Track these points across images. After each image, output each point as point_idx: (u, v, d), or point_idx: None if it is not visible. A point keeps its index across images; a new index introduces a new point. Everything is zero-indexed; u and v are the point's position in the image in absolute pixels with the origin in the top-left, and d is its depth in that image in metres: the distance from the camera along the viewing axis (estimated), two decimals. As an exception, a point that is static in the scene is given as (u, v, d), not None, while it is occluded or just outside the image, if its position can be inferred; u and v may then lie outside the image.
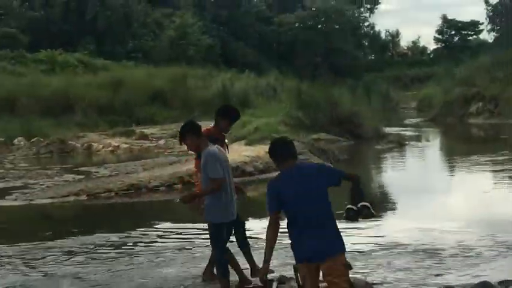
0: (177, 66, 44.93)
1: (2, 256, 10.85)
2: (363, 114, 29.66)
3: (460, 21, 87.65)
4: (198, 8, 65.87)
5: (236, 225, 7.94)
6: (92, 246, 11.21)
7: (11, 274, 9.62)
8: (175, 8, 63.77)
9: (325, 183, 5.96)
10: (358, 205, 6.81)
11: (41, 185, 19.39)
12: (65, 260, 10.36)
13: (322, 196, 5.91)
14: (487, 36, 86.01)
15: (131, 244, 11.36)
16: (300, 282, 5.13)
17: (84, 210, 15.90)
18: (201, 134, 7.62)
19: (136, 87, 38.93)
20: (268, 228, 5.84)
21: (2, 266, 10.18)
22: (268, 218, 5.81)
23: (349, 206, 6.72)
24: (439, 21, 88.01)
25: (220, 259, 7.59)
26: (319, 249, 5.75)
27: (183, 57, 52.63)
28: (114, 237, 11.81)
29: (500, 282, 7.81)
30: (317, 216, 5.81)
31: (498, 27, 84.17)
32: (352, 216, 6.73)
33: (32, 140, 30.41)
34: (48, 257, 10.58)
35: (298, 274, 5.61)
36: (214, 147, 7.56)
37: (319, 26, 72.18)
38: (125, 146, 29.26)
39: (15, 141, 30.65)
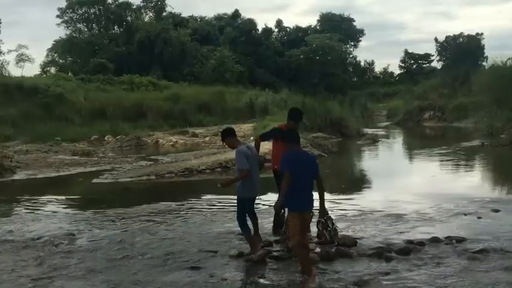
0: (217, 85, 45.02)
1: (96, 217, 10.94)
2: (348, 119, 29.75)
3: (417, 54, 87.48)
4: (232, 45, 65.88)
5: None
6: (157, 211, 11.25)
7: (101, 230, 9.68)
8: (217, 45, 63.93)
9: (316, 170, 6.42)
10: (324, 217, 7.02)
11: (124, 168, 19.51)
12: (139, 220, 10.40)
13: (313, 174, 6.34)
14: (436, 64, 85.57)
15: (186, 209, 11.39)
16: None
17: (153, 186, 15.95)
18: (235, 135, 7.78)
19: (189, 100, 39.09)
20: (284, 179, 6.23)
21: (95, 225, 10.25)
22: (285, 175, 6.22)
23: (318, 219, 6.97)
24: (402, 54, 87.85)
25: (241, 223, 7.58)
26: (307, 203, 6.31)
27: (221, 80, 52.72)
28: (174, 205, 11.84)
29: (446, 237, 7.75)
30: (309, 185, 6.33)
31: (444, 58, 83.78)
32: (321, 227, 7.03)
33: (117, 137, 30.57)
34: (127, 218, 10.63)
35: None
36: (243, 146, 7.65)
37: (317, 58, 71.99)
38: (181, 141, 29.33)
39: (106, 137, 30.84)
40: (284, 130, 7.94)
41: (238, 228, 8.12)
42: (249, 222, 7.69)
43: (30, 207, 12.66)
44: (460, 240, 7.63)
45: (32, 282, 6.79)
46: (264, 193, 10.50)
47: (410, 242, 7.63)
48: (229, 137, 7.75)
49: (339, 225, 8.06)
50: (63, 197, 14.32)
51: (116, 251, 8.13)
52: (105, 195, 14.78)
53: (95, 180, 16.84)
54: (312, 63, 70.66)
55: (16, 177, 18.76)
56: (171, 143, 28.97)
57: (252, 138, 24.15)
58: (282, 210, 7.07)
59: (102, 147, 28.40)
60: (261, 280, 6.57)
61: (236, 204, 7.67)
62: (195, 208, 11.50)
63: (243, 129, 29.15)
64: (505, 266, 6.51)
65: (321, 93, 51.58)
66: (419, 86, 49.71)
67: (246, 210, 7.64)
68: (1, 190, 16.54)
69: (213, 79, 52.68)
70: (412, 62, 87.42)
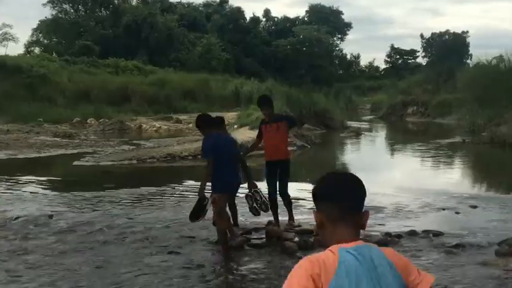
0: (203, 73, 44.81)
1: (75, 200, 10.86)
2: (333, 112, 29.74)
3: (403, 49, 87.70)
4: (219, 33, 65.53)
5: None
6: (138, 195, 11.20)
7: (80, 213, 9.62)
8: (204, 32, 63.59)
9: (235, 150, 7.18)
10: (252, 191, 7.03)
11: (105, 152, 19.39)
12: (119, 204, 10.35)
13: (235, 155, 7.05)
14: (421, 60, 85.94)
15: (167, 195, 11.35)
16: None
17: (134, 170, 15.88)
18: (208, 123, 7.31)
19: (174, 86, 38.94)
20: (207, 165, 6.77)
21: (74, 206, 10.18)
22: None
23: (246, 194, 7.31)
24: (388, 49, 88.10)
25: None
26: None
27: (207, 67, 52.45)
28: (153, 190, 11.79)
29: (424, 231, 7.81)
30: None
31: (429, 55, 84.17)
32: (252, 203, 7.33)
33: (100, 120, 30.39)
34: (107, 202, 10.57)
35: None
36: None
37: (304, 49, 71.95)
38: (165, 127, 29.24)
39: (88, 120, 30.62)
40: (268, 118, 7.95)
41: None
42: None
43: (9, 187, 12.54)
44: (437, 234, 7.68)
45: (8, 260, 6.74)
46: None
47: (388, 234, 7.66)
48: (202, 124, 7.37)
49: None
50: (43, 178, 14.20)
51: (95, 233, 8.08)
52: (85, 178, 14.69)
53: (75, 163, 16.72)
54: (298, 54, 70.58)
55: (-4, 156, 18.57)
56: (155, 129, 28.87)
57: (235, 126, 24.12)
58: (207, 199, 6.87)
59: (84, 130, 28.22)
60: (239, 267, 6.58)
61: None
62: (176, 194, 11.47)
63: (228, 117, 29.05)
64: (480, 261, 6.57)
65: (306, 84, 51.57)
66: (403, 81, 49.89)
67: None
68: (-20, 169, 16.35)
69: (200, 66, 52.42)
70: (398, 57, 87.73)
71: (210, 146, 6.78)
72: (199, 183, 7.22)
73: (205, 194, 6.95)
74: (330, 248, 1.96)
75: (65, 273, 6.33)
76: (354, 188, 2.12)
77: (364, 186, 2.13)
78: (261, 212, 7.55)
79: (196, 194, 7.11)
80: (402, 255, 2.15)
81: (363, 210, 2.10)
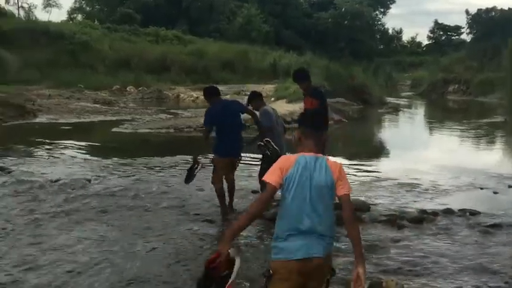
0: (242, 44, 44.60)
1: (113, 165, 11.04)
2: (371, 87, 29.29)
3: (447, 25, 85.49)
4: (260, 4, 64.97)
5: None
6: (174, 163, 11.31)
7: (117, 178, 9.77)
8: (245, 2, 63.11)
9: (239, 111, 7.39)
10: (264, 141, 7.33)
11: (143, 119, 19.61)
12: (155, 171, 10.48)
13: (238, 120, 7.37)
14: (465, 37, 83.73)
15: (203, 164, 11.41)
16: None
17: (171, 139, 16.03)
18: (261, 98, 7.94)
19: (213, 57, 38.91)
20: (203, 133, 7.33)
21: (111, 172, 10.35)
22: None
23: (258, 143, 7.41)
24: (432, 24, 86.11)
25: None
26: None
27: (247, 38, 52.15)
28: (189, 159, 11.85)
29: (460, 210, 7.70)
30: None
31: (474, 31, 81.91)
32: (264, 150, 7.37)
33: (139, 88, 30.69)
34: (144, 168, 10.72)
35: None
36: (269, 106, 7.99)
37: (345, 22, 70.87)
38: (202, 97, 29.26)
39: (128, 88, 30.96)
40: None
41: (254, 186, 8.16)
42: None
43: (49, 151, 12.82)
44: (474, 213, 7.56)
45: (48, 220, 6.91)
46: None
47: (423, 211, 7.58)
48: (256, 98, 7.84)
49: (354, 192, 8.01)
50: (83, 143, 14.47)
51: (131, 199, 8.22)
52: (123, 145, 14.90)
53: (114, 129, 16.97)
54: (339, 27, 69.57)
55: (38, 120, 18.99)
56: (192, 98, 29.00)
57: (272, 99, 24.03)
58: (197, 164, 7.39)
59: (123, 97, 28.56)
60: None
61: (260, 162, 7.68)
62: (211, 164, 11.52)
63: (265, 89, 28.97)
64: (517, 242, 6.46)
65: (346, 58, 50.90)
66: (446, 57, 48.79)
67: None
68: (23, 132, 16.76)
69: (239, 37, 52.15)
70: (441, 33, 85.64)
71: (209, 115, 7.20)
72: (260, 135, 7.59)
73: (198, 159, 7.47)
74: (296, 154, 3.47)
75: (99, 237, 6.46)
76: (319, 120, 4.13)
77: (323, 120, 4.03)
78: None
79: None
80: (341, 167, 3.43)
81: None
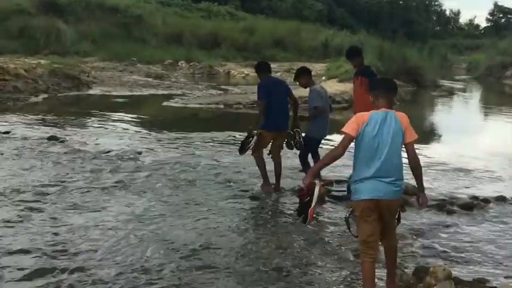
0: (294, 21, 44.22)
1: (163, 138, 11.20)
2: (425, 69, 28.58)
3: (507, 8, 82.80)
4: (313, -19, 64.28)
5: None
6: (223, 139, 11.39)
7: (167, 151, 9.92)
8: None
9: (288, 92, 7.47)
10: (294, 130, 7.39)
11: (194, 94, 19.79)
12: (204, 146, 10.59)
13: (286, 97, 7.45)
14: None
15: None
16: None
17: (221, 114, 16.13)
18: (310, 75, 7.68)
19: (264, 34, 38.77)
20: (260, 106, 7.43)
21: (161, 145, 10.50)
22: None
23: (289, 130, 7.42)
24: (491, 6, 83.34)
25: (303, 161, 7.62)
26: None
27: (299, 16, 51.73)
28: (238, 135, 11.92)
29: (513, 198, 7.51)
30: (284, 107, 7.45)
31: (536, 14, 78.97)
32: (289, 139, 7.47)
33: (190, 63, 30.93)
34: (193, 143, 10.83)
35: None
36: (318, 85, 7.73)
37: (401, 2, 69.40)
38: (253, 74, 29.27)
39: (179, 63, 31.23)
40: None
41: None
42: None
43: (101, 123, 13.11)
44: (527, 202, 7.36)
45: (100, 191, 7.10)
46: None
47: (475, 197, 7.42)
48: (304, 75, 7.61)
49: (405, 176, 7.88)
50: (134, 116, 14.74)
51: (179, 172, 8.33)
52: (174, 119, 15.10)
53: (165, 103, 17.20)
54: (394, 7, 68.21)
55: (91, 92, 19.42)
56: (243, 75, 29.04)
57: (323, 78, 23.82)
58: (253, 135, 7.37)
59: (175, 72, 28.86)
60: (320, 217, 6.61)
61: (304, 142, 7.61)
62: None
63: (316, 68, 28.75)
64: None
65: (400, 39, 49.89)
66: (505, 41, 47.13)
67: (311, 149, 7.60)
68: (77, 103, 17.18)
69: (291, 15, 51.76)
70: (501, 15, 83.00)
71: (265, 87, 7.31)
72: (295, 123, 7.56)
73: (253, 132, 7.37)
74: (369, 112, 4.11)
75: (145, 208, 6.59)
76: (391, 84, 4.36)
77: (396, 85, 4.39)
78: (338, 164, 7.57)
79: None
80: (407, 118, 4.14)
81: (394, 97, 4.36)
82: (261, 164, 7.56)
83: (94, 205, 6.57)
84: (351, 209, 4.22)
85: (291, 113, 7.58)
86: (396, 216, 4.27)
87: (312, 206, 4.30)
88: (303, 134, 7.52)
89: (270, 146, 7.61)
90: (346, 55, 7.81)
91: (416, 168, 4.13)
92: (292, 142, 7.44)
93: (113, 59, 28.87)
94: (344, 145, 4.03)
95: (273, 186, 7.57)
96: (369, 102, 4.34)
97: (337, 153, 4.06)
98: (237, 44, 37.17)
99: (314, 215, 4.64)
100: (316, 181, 4.33)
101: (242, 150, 7.60)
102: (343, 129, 4.04)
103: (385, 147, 3.97)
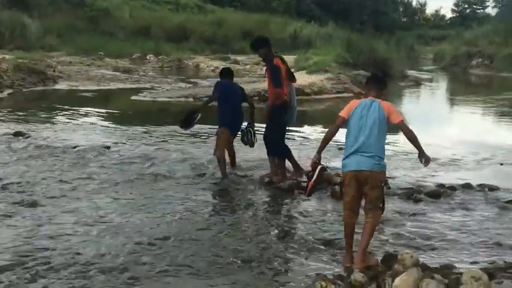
0: (263, 14, 44.15)
1: (132, 133, 11.10)
2: (393, 60, 28.86)
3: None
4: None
5: None
6: (193, 133, 11.31)
7: (136, 146, 9.83)
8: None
9: (241, 95, 8.07)
10: (249, 127, 8.01)
11: (163, 88, 19.64)
12: (174, 140, 10.54)
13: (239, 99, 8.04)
14: (491, 10, 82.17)
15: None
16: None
17: (190, 108, 16.01)
18: (270, 47, 7.56)
19: (233, 26, 38.60)
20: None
21: (130, 139, 10.41)
22: None
23: (243, 128, 8.05)
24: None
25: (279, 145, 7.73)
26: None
27: (268, 8, 51.63)
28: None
29: (479, 185, 7.62)
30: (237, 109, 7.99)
31: (499, 5, 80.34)
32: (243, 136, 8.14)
33: (159, 57, 30.66)
34: (162, 137, 10.78)
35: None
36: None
37: (369, -7, 69.76)
38: (222, 67, 29.25)
39: (147, 57, 30.94)
40: None
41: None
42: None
43: (69, 118, 12.93)
44: (493, 188, 7.48)
45: (66, 186, 7.00)
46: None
47: (441, 185, 7.52)
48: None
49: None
50: (102, 111, 14.57)
51: (148, 166, 8.27)
52: (142, 113, 14.98)
53: (133, 97, 17.03)
54: (362, -2, 68.52)
55: (58, 86, 19.12)
56: (212, 68, 28.89)
57: (292, 70, 23.86)
58: (198, 113, 8.20)
59: (143, 65, 28.56)
60: (288, 207, 6.64)
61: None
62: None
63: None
64: (536, 218, 6.39)
65: (368, 30, 50.20)
66: (470, 31, 47.85)
67: (283, 134, 7.69)
68: (43, 98, 16.91)
69: (260, 7, 51.63)
70: (466, 6, 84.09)
71: (221, 88, 8.00)
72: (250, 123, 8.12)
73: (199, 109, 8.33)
74: (360, 99, 5.02)
75: (113, 201, 6.53)
76: (382, 79, 5.29)
77: (386, 81, 5.38)
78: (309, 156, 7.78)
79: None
80: (390, 105, 5.02)
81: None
82: (222, 163, 7.78)
83: (59, 201, 6.47)
84: (341, 179, 5.06)
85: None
86: (378, 194, 4.84)
87: (311, 181, 5.09)
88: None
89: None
90: (251, 48, 7.95)
91: (411, 139, 4.91)
92: (245, 139, 8.08)
93: (80, 53, 28.44)
94: (337, 124, 4.97)
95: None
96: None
97: (333, 129, 5.01)
98: (206, 36, 36.94)
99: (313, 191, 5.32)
100: (321, 163, 5.14)
101: (186, 125, 8.33)
102: (340, 113, 4.95)
103: (367, 128, 4.76)
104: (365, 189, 4.82)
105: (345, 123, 4.95)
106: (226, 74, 8.37)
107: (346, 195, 4.93)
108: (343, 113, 4.94)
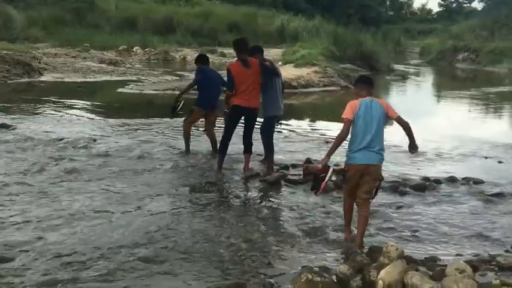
0: (250, 6, 44.04)
1: (118, 125, 11.04)
2: (380, 54, 28.95)
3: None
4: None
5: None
6: (180, 125, 11.26)
7: (122, 139, 9.78)
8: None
9: (221, 81, 8.71)
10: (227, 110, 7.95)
11: (149, 80, 19.55)
12: (160, 133, 10.50)
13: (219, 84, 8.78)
14: (477, 5, 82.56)
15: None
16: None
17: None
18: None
19: (220, 19, 38.49)
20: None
21: (116, 132, 10.35)
22: None
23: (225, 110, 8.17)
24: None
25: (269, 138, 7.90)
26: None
27: (255, 1, 51.45)
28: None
29: (464, 178, 7.69)
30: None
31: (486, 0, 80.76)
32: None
33: (145, 49, 30.49)
34: (149, 129, 10.73)
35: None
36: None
37: (356, -13, 69.69)
38: (209, 60, 29.10)
39: (134, 49, 30.75)
40: None
41: (259, 150, 8.18)
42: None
43: (54, 110, 12.83)
44: (477, 182, 7.56)
45: (52, 179, 6.95)
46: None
47: (426, 179, 7.59)
48: (259, 54, 8.32)
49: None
50: (88, 103, 14.47)
51: (134, 159, 8.23)
52: (128, 105, 14.88)
53: (120, 90, 16.94)
54: (349, -8, 68.42)
55: (43, 78, 18.96)
56: (199, 61, 28.80)
57: (280, 63, 23.85)
58: (180, 101, 9.06)
59: (129, 58, 28.41)
60: (275, 200, 6.65)
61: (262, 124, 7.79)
62: (218, 125, 11.51)
63: (272, 53, 28.76)
64: (519, 211, 6.47)
65: (354, 24, 50.24)
66: (456, 25, 48.13)
67: (272, 127, 7.79)
68: (28, 90, 16.74)
69: (247, 0, 51.46)
70: (453, 0, 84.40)
71: (203, 72, 8.68)
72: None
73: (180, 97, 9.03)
74: (358, 99, 5.24)
75: (98, 194, 6.50)
76: (370, 80, 5.52)
77: (373, 80, 5.58)
78: (296, 149, 8.49)
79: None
80: (386, 102, 5.44)
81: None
82: (186, 138, 8.78)
83: (43, 194, 6.42)
84: (346, 169, 5.30)
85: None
86: (376, 185, 5.33)
87: (325, 181, 5.33)
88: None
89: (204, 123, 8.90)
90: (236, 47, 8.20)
91: (408, 130, 5.36)
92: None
93: (65, 45, 28.21)
94: (347, 127, 5.20)
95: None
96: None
97: (344, 134, 5.22)
98: (192, 29, 36.83)
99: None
100: (331, 165, 5.34)
101: (172, 113, 9.07)
102: (343, 116, 5.21)
103: (374, 125, 5.14)
104: (365, 179, 5.21)
105: (351, 124, 5.22)
106: (204, 60, 9.00)
107: (350, 183, 5.32)
108: (348, 115, 5.19)
